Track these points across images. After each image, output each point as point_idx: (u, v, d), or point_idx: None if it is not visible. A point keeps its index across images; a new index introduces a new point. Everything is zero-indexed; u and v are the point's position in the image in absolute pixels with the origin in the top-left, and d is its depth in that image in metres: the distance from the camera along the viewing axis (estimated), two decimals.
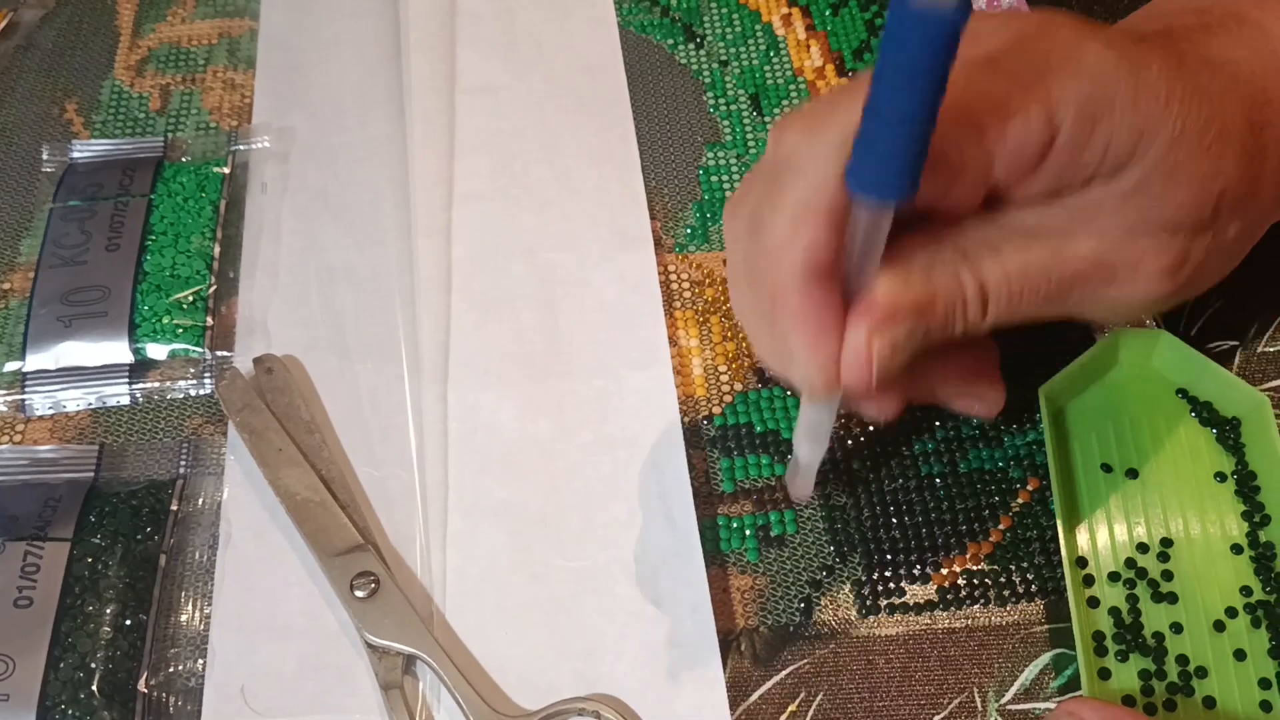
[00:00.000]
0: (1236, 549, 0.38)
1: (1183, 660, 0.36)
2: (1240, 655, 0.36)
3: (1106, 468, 0.40)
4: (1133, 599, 0.37)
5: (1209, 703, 0.36)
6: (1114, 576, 0.38)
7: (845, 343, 0.31)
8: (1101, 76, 0.30)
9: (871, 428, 0.42)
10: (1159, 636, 0.37)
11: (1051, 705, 0.37)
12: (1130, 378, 0.42)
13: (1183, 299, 0.35)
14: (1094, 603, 0.37)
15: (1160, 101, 0.30)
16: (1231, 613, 0.37)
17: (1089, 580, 0.38)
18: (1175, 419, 0.41)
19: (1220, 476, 0.40)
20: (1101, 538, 0.39)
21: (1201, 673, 0.36)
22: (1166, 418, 0.41)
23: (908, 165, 0.26)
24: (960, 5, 0.23)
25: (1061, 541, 0.38)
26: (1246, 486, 0.39)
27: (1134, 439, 0.41)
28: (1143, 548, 0.38)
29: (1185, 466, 0.40)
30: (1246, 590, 0.37)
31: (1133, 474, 0.40)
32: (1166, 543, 0.38)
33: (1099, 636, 0.37)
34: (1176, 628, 0.37)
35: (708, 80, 0.51)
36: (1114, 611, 0.37)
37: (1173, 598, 0.37)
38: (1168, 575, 0.38)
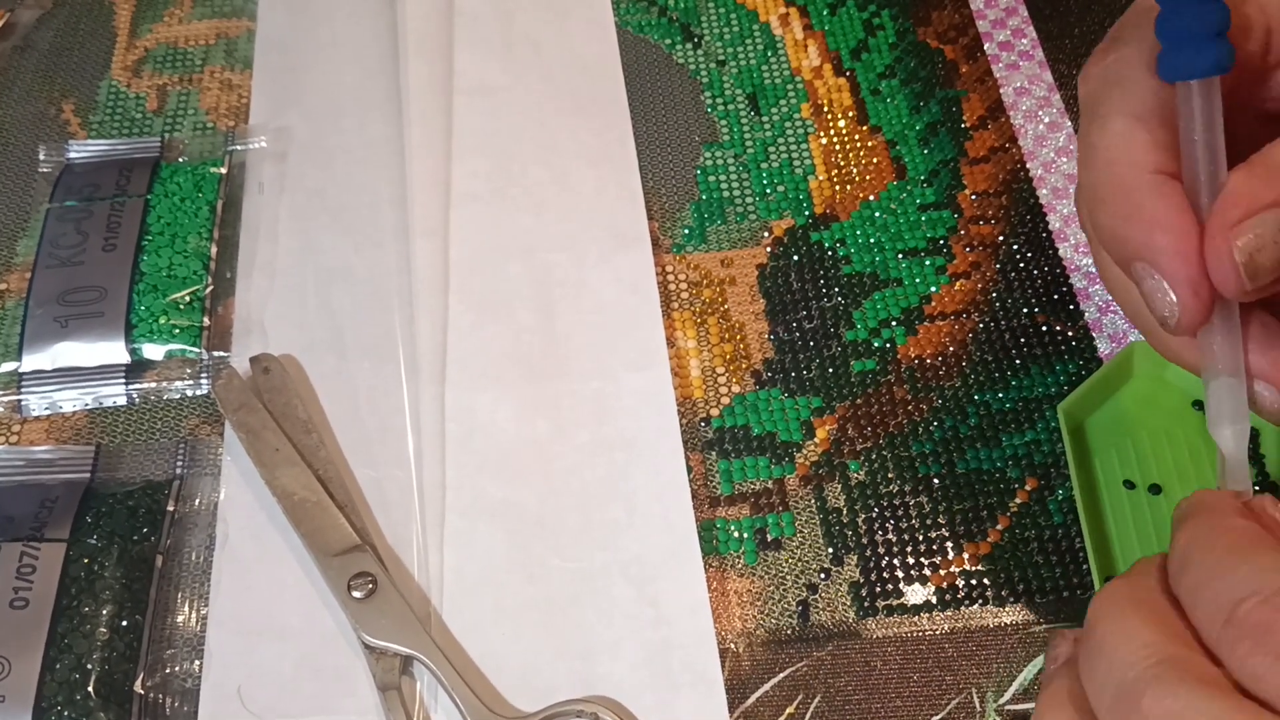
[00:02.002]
0: None
1: None
2: None
3: (1129, 484, 0.40)
4: None
5: None
6: None
7: (1206, 244, 0.27)
8: None
9: (869, 427, 0.42)
10: None
11: None
12: (1145, 391, 0.42)
13: None
14: None
15: None
16: None
17: None
18: (1193, 431, 0.41)
19: None
20: (1130, 556, 0.38)
21: None
22: (1185, 430, 0.41)
23: (1213, 32, 0.26)
24: None
25: (1091, 562, 0.37)
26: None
27: (1154, 453, 0.40)
28: None
29: (1208, 480, 0.40)
30: None
31: (1155, 489, 0.40)
32: None
33: None
34: None
35: (705, 80, 0.51)
36: None
37: None
38: None
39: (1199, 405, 0.41)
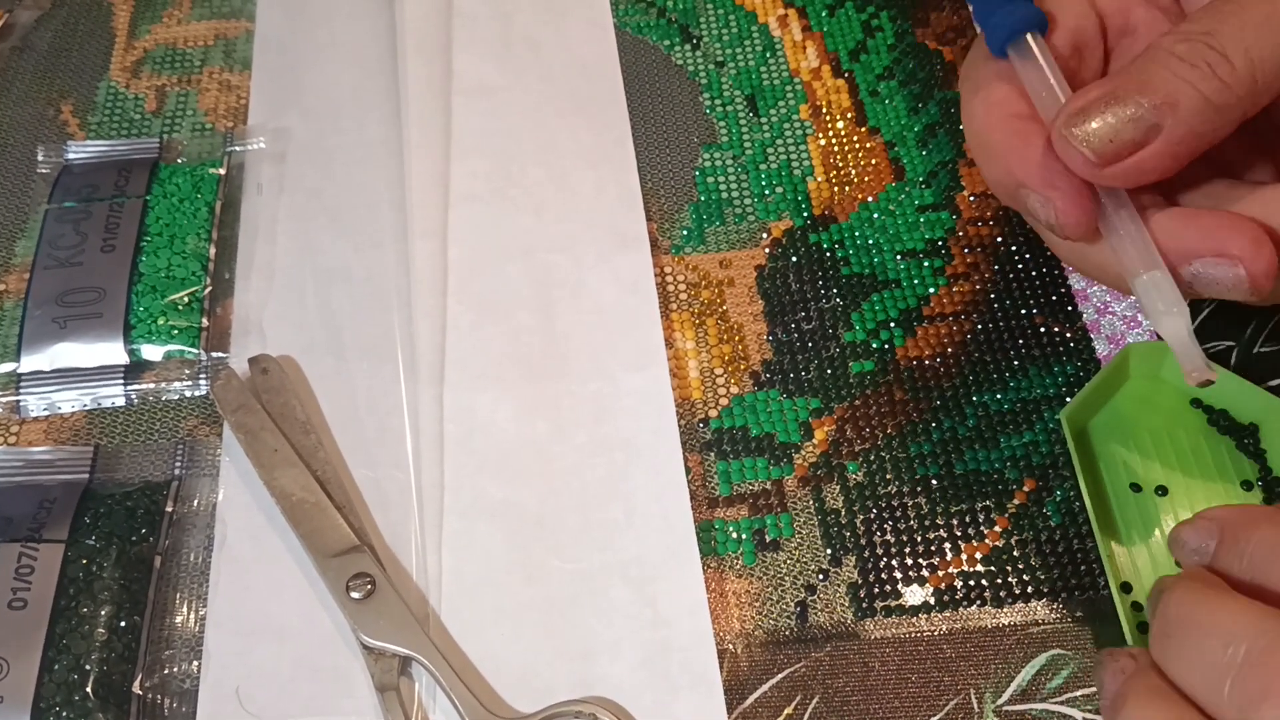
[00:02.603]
0: None
1: None
2: None
3: (1135, 487, 0.40)
4: None
5: None
6: None
7: (1052, 140, 0.31)
8: None
9: (868, 428, 0.42)
10: None
11: (1049, 707, 0.37)
12: (1143, 392, 0.42)
13: None
14: (1144, 628, 0.37)
15: None
16: None
17: (1138, 606, 0.37)
18: (1194, 430, 0.41)
19: (1247, 485, 0.40)
20: (1143, 561, 0.38)
21: None
22: (1185, 430, 0.41)
23: (1010, 5, 0.32)
24: None
25: (1106, 568, 0.37)
26: (1274, 492, 0.39)
27: (1157, 454, 0.40)
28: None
29: (1212, 478, 0.40)
30: None
31: (1162, 491, 0.40)
32: None
33: None
34: None
35: (704, 81, 0.51)
36: None
37: None
38: None
39: (1197, 403, 0.41)
